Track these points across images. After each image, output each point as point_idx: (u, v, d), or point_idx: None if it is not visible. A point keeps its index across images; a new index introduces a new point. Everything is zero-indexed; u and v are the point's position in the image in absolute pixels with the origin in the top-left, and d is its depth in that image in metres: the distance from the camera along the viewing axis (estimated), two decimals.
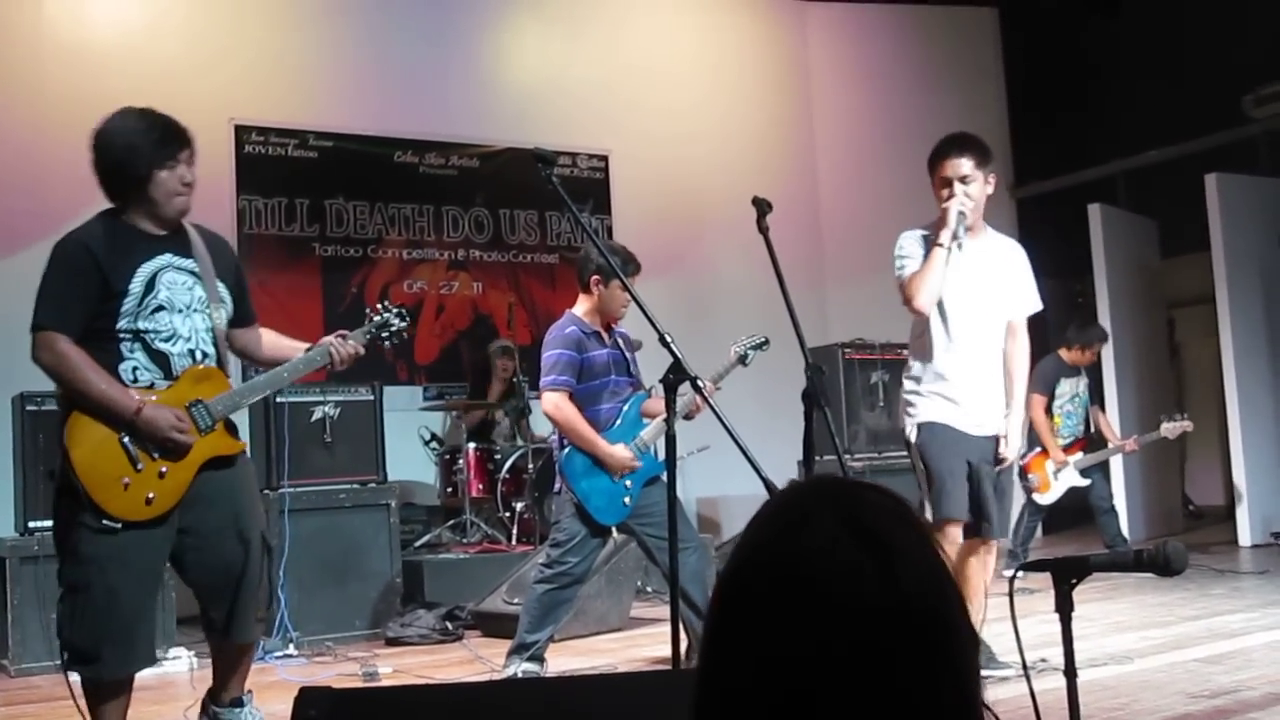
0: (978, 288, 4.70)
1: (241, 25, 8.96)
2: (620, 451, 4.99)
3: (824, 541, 1.01)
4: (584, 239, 9.40)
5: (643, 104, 10.48)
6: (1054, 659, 4.29)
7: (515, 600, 6.12)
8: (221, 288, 3.83)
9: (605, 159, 10.34)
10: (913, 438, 4.76)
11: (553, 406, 4.98)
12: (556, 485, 5.21)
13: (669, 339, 3.29)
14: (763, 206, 3.62)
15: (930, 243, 4.64)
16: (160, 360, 3.65)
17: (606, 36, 10.52)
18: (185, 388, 3.67)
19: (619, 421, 5.09)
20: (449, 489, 8.42)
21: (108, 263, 3.58)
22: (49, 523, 6.01)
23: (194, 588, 3.81)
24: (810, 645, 0.97)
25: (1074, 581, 2.13)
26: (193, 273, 3.74)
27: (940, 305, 4.68)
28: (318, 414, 6.86)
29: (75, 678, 3.67)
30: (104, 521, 3.49)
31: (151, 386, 3.62)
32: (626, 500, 5.03)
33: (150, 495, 3.57)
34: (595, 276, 5.09)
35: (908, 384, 4.83)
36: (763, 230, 3.59)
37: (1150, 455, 9.58)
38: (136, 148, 3.65)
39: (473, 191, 9.80)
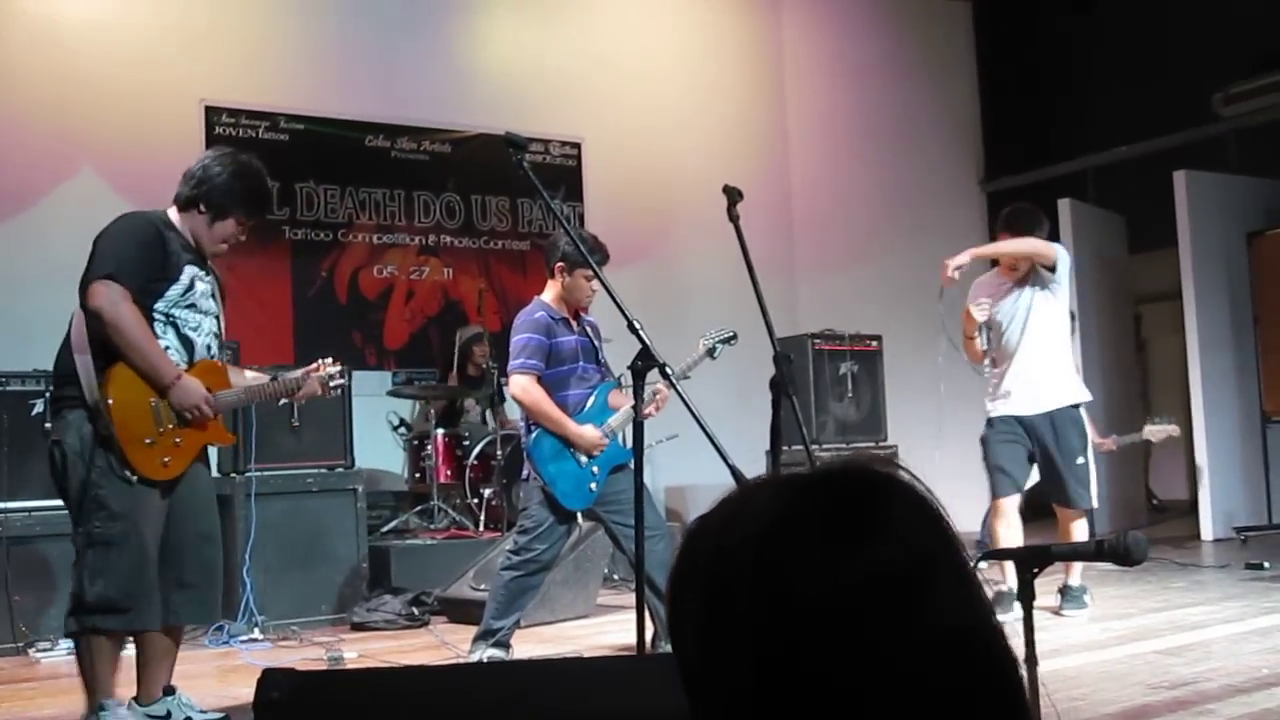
0: None
1: (214, 6, 8.88)
2: (589, 431, 4.99)
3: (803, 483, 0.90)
4: (555, 225, 9.38)
5: (616, 92, 10.46)
6: (1015, 649, 4.34)
7: (482, 586, 6.11)
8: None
9: (578, 146, 10.32)
10: None
11: (520, 390, 4.98)
12: (525, 472, 5.21)
13: (638, 325, 3.28)
14: (733, 195, 3.63)
15: None
16: (187, 345, 3.97)
17: (580, 23, 10.49)
18: (198, 375, 3.95)
19: (588, 407, 5.09)
20: (417, 474, 8.39)
21: (171, 248, 3.92)
22: (15, 504, 6.05)
23: (165, 562, 3.91)
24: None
25: (1036, 571, 2.15)
26: (213, 290, 4.12)
27: None
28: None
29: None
30: (125, 472, 3.75)
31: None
32: (593, 486, 5.03)
33: (166, 459, 3.86)
34: (560, 264, 5.08)
35: None
36: (733, 218, 3.60)
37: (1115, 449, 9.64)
38: (248, 191, 4.09)
39: (444, 177, 9.76)
